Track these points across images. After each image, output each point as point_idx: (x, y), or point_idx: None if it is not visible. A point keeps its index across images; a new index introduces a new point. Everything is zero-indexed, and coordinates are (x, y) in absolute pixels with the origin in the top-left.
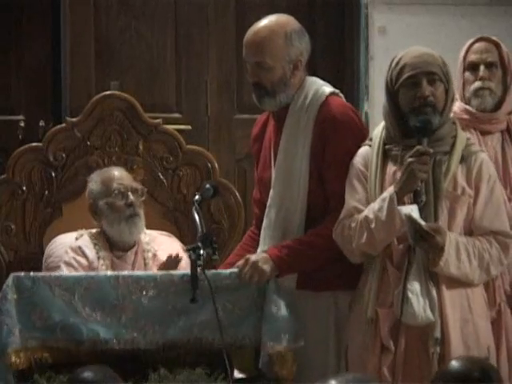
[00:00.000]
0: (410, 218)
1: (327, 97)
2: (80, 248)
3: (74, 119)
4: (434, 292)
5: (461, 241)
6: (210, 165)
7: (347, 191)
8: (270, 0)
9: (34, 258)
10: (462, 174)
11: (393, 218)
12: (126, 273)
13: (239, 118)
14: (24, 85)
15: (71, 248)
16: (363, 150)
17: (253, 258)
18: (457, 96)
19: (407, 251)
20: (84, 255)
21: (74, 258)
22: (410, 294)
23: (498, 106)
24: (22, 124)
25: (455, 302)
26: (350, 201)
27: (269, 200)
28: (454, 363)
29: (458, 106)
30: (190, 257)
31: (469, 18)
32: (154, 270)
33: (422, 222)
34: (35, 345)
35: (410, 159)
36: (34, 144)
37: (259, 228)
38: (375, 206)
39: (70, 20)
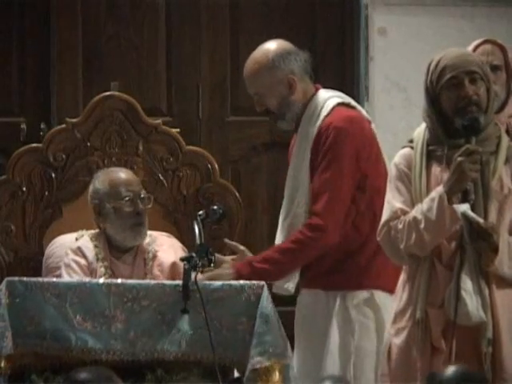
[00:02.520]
0: (466, 216)
1: (334, 107)
2: (80, 249)
3: (73, 120)
4: (486, 291)
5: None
6: (209, 166)
7: (390, 193)
8: (266, 1)
9: (34, 259)
10: (507, 174)
11: (443, 217)
12: (118, 281)
13: (233, 121)
14: (25, 87)
15: (71, 249)
16: (405, 152)
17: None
18: None
19: (458, 250)
20: (84, 256)
21: (74, 260)
22: (463, 293)
23: (500, 108)
24: (23, 126)
25: (504, 303)
26: (395, 202)
27: (282, 207)
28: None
29: None
30: (184, 266)
31: (468, 19)
32: (154, 271)
33: (480, 220)
34: (26, 350)
35: (459, 158)
36: (34, 145)
37: None
38: (423, 206)
39: (57, 27)
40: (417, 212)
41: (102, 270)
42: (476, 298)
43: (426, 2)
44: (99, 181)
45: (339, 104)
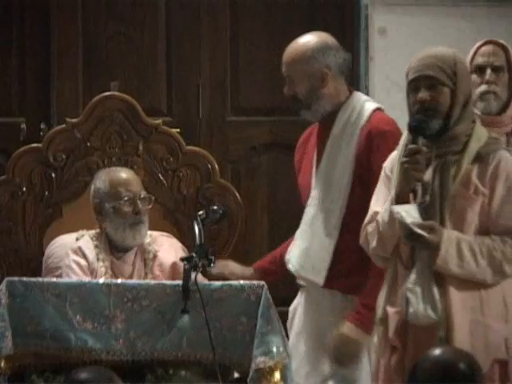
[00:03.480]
0: (398, 218)
1: (374, 110)
2: (80, 249)
3: (73, 120)
4: (436, 291)
5: (465, 239)
6: (209, 166)
7: (374, 197)
8: (265, 2)
9: (34, 259)
10: (476, 172)
11: (392, 218)
12: (118, 281)
13: (233, 121)
14: (25, 87)
15: (71, 249)
16: (393, 155)
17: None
18: None
19: (412, 250)
20: (84, 256)
21: (74, 260)
22: (409, 294)
23: (503, 109)
24: (23, 126)
25: (465, 303)
26: (374, 206)
27: (309, 199)
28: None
29: None
30: (184, 266)
31: (468, 19)
32: (154, 271)
33: (407, 220)
34: (26, 350)
35: (402, 159)
36: (34, 145)
37: None
38: (383, 208)
39: (57, 28)
40: (380, 215)
41: (103, 269)
42: (424, 297)
43: (426, 1)
44: (100, 180)
45: (377, 109)
